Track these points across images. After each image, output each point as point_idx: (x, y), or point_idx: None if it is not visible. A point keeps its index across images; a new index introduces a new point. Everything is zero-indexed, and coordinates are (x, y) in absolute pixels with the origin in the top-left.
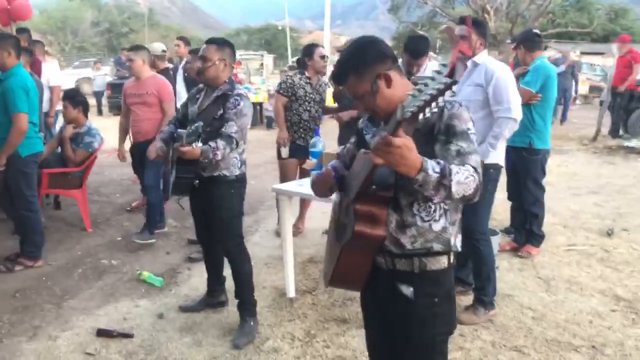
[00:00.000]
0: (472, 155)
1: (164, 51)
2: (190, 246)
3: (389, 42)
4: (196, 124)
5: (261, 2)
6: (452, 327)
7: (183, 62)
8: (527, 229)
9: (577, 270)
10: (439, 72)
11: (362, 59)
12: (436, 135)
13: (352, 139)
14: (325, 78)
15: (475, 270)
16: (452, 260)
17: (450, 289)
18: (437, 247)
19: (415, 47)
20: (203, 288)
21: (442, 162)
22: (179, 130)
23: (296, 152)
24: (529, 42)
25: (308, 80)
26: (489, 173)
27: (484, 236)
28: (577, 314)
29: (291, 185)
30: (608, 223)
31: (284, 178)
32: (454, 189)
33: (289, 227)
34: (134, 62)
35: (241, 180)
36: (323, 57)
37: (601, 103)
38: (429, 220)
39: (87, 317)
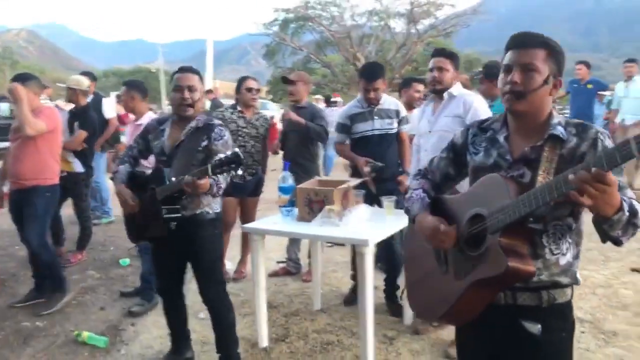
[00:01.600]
0: (628, 190)
1: (88, 86)
2: (126, 299)
3: (265, 87)
4: (234, 150)
5: (130, 45)
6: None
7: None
8: None
9: None
10: None
11: (560, 53)
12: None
13: (444, 154)
14: (273, 113)
15: None
16: (573, 293)
17: (574, 320)
18: (564, 280)
19: (367, 71)
20: (158, 345)
21: (625, 198)
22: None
23: (234, 191)
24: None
25: (241, 114)
26: None
27: None
28: None
29: (265, 223)
30: None
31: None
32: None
33: (262, 271)
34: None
35: (221, 218)
36: (250, 89)
37: None
38: (557, 254)
39: None
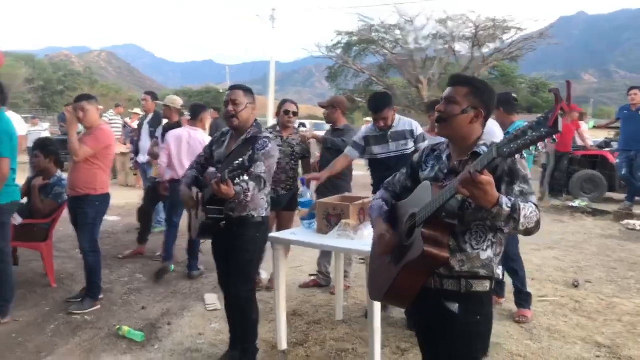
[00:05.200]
0: (533, 196)
1: (183, 106)
2: (166, 301)
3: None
4: (240, 159)
5: (199, 66)
6: (487, 348)
7: (149, 117)
8: (514, 290)
9: (555, 320)
10: (539, 123)
11: (484, 91)
12: (500, 176)
13: (404, 170)
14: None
15: None
16: (493, 286)
17: (491, 311)
18: (482, 272)
19: (373, 103)
20: (188, 343)
21: (512, 199)
22: (210, 170)
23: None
24: (508, 104)
25: (278, 134)
26: None
27: None
28: None
29: (286, 234)
30: (571, 276)
31: None
32: (521, 221)
33: (282, 279)
34: (87, 111)
35: (266, 222)
36: (287, 112)
37: (544, 166)
38: (478, 249)
39: None
